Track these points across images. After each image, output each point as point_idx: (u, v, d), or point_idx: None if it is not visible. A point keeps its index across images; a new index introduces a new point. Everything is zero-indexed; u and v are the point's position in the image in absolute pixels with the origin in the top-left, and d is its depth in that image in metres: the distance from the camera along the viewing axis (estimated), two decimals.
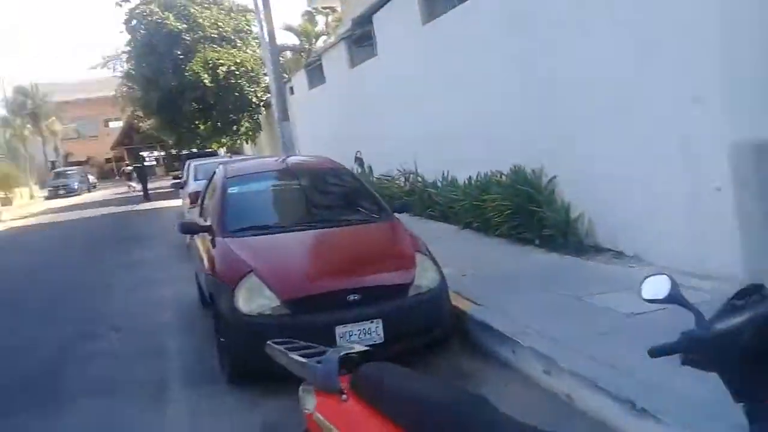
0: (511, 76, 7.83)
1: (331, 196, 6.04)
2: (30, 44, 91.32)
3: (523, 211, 7.18)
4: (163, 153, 51.21)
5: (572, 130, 6.64)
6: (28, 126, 39.49)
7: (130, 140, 49.08)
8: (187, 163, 19.04)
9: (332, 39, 29.83)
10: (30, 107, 39.85)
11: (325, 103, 17.75)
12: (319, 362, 2.02)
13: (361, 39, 14.85)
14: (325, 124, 17.83)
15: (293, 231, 5.28)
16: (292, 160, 6.42)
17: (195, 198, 10.28)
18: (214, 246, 5.16)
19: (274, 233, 5.21)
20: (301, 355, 2.13)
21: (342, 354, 2.02)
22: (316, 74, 18.70)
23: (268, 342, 2.35)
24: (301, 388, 2.13)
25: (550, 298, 5.14)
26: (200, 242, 5.75)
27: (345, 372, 1.98)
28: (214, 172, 6.64)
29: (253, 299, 4.41)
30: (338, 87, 16.29)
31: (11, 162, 36.54)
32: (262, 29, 15.63)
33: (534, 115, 7.36)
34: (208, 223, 5.87)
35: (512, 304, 5.04)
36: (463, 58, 9.23)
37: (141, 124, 42.65)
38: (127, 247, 12.65)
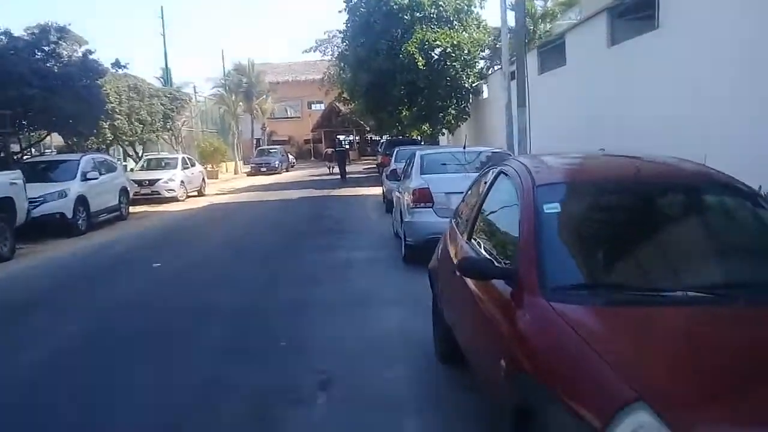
0: None
1: (740, 237, 3.20)
2: (251, 22, 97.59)
3: None
4: (357, 138, 51.67)
5: None
6: (241, 103, 40.92)
7: (329, 123, 49.70)
8: (397, 149, 17.36)
9: (562, 18, 27.09)
10: (245, 85, 41.28)
11: (562, 89, 14.95)
12: None
13: (627, 12, 11.94)
14: (556, 114, 15.05)
15: (689, 305, 2.62)
16: (642, 163, 3.55)
17: (422, 197, 8.18)
18: (520, 307, 2.77)
19: (653, 304, 2.64)
20: None
21: None
22: (551, 56, 15.97)
23: None
24: None
25: None
26: (479, 287, 3.37)
27: None
28: (490, 170, 4.24)
29: None
30: (585, 69, 13.42)
31: (221, 137, 38.10)
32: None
33: None
34: (483, 255, 3.53)
35: None
36: None
37: (342, 107, 42.76)
38: (330, 241, 10.90)
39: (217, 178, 31.77)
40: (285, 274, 8.54)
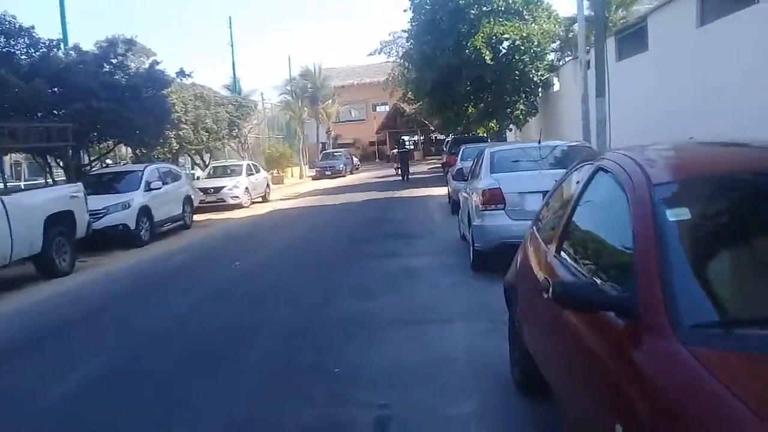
0: None
1: None
2: (316, 28, 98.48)
3: None
4: (422, 137, 50.83)
5: None
6: (306, 108, 40.92)
7: (394, 124, 49.10)
8: (463, 147, 16.54)
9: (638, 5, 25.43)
10: (310, 90, 41.26)
11: (643, 76, 13.76)
12: None
13: None
14: (636, 103, 13.88)
15: None
16: None
17: (492, 198, 7.39)
18: (641, 350, 1.97)
19: None
20: None
21: None
22: (630, 42, 14.82)
23: None
24: None
25: None
26: (578, 320, 2.56)
27: None
28: (583, 166, 3.45)
29: None
30: (670, 53, 12.23)
31: (287, 142, 38.20)
32: None
33: None
34: (580, 275, 2.73)
35: None
36: None
37: (406, 108, 42.10)
38: (393, 247, 10.22)
39: (282, 183, 31.80)
40: (343, 285, 7.90)
